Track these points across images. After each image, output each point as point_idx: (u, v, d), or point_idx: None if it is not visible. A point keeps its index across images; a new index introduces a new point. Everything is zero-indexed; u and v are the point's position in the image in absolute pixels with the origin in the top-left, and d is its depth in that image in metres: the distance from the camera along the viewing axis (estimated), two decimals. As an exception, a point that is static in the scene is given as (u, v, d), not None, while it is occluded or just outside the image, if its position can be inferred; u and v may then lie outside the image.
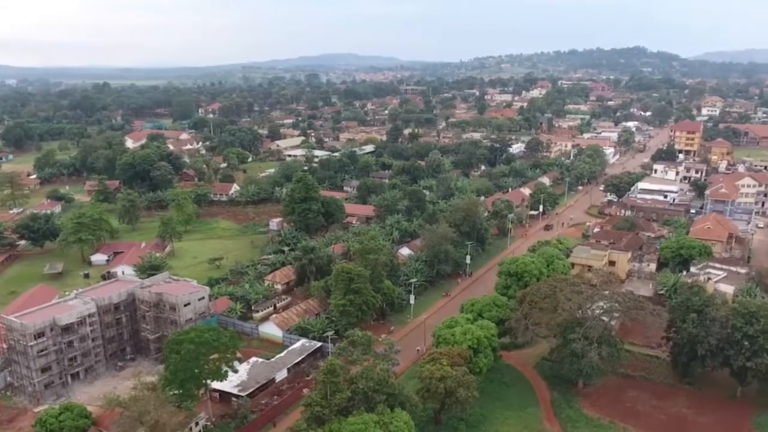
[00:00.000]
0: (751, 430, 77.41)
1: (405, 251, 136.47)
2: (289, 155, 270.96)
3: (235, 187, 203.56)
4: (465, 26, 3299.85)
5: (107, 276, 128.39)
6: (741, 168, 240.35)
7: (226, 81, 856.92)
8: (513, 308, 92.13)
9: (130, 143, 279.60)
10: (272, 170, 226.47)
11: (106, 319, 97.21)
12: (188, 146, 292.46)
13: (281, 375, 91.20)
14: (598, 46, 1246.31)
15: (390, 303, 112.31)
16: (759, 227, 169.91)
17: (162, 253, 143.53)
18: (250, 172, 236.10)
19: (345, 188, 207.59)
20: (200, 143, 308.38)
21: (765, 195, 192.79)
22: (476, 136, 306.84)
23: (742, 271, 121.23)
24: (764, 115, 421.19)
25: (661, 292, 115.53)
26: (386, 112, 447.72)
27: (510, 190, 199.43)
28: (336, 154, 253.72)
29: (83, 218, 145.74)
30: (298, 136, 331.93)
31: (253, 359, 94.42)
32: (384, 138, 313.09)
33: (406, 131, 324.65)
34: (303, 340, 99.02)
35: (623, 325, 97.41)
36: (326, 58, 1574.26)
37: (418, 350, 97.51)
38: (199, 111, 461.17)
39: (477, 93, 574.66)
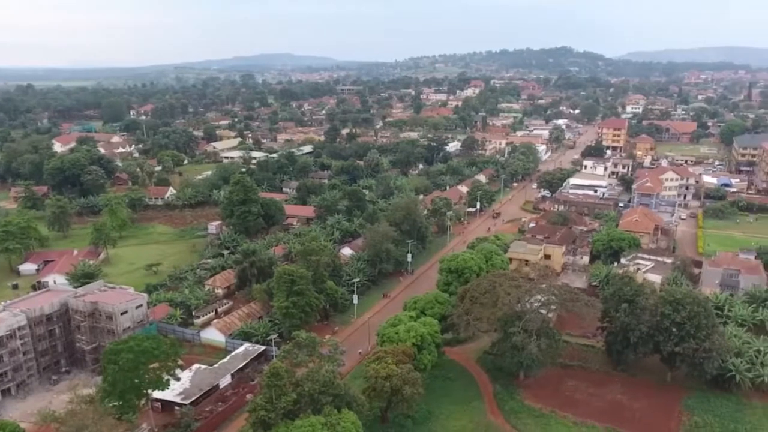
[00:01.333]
0: (681, 412, 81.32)
1: (347, 251, 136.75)
2: (226, 157, 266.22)
3: (171, 191, 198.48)
4: (399, 26, 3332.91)
5: (38, 286, 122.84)
6: (664, 162, 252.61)
7: (159, 82, 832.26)
8: (454, 304, 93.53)
9: (58, 147, 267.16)
10: (209, 173, 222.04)
11: (38, 332, 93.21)
12: (120, 149, 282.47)
13: (225, 381, 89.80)
14: (527, 46, 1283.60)
15: (333, 303, 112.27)
16: (682, 218, 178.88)
17: (96, 260, 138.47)
18: (187, 174, 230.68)
19: (284, 189, 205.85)
20: (133, 146, 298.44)
21: (686, 188, 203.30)
22: (413, 135, 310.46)
23: (668, 260, 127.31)
24: (683, 112, 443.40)
25: (595, 283, 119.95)
26: (323, 112, 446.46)
27: (448, 188, 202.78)
28: (274, 155, 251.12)
29: (9, 227, 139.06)
30: (235, 137, 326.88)
31: (196, 366, 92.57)
32: (322, 138, 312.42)
33: (344, 131, 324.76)
34: (246, 345, 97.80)
35: (560, 316, 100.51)
36: (262, 59, 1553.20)
37: (360, 353, 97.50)
38: (131, 113, 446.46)
39: (413, 92, 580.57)
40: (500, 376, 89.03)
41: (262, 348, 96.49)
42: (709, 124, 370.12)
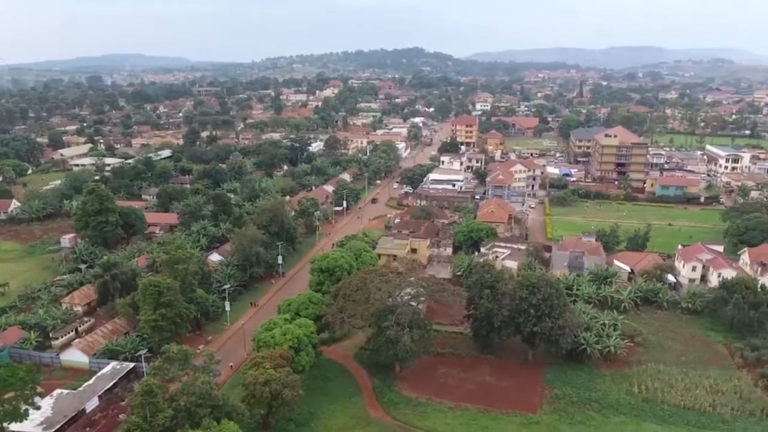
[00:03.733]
0: (543, 386, 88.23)
1: (215, 257, 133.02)
2: (77, 165, 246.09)
3: (14, 204, 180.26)
4: (254, 26, 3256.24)
5: None
6: (513, 156, 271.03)
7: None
8: (328, 303, 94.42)
9: None
10: (58, 182, 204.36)
11: None
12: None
13: (92, 404, 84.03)
14: (381, 47, 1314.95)
15: (205, 312, 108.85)
16: (531, 207, 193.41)
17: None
18: (32, 185, 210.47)
19: (144, 196, 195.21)
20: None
21: (533, 179, 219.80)
22: (276, 136, 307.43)
23: (522, 247, 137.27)
24: (526, 108, 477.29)
25: (459, 273, 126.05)
26: (180, 114, 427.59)
27: (314, 188, 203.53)
28: (130, 161, 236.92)
29: None
30: (85, 143, 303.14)
31: (57, 391, 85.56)
32: (181, 142, 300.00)
33: (204, 134, 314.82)
34: (113, 363, 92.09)
35: (429, 307, 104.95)
36: (109, 59, 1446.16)
37: (231, 366, 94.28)
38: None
39: (272, 93, 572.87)
40: (377, 370, 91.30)
41: (131, 365, 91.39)
42: (549, 119, 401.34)
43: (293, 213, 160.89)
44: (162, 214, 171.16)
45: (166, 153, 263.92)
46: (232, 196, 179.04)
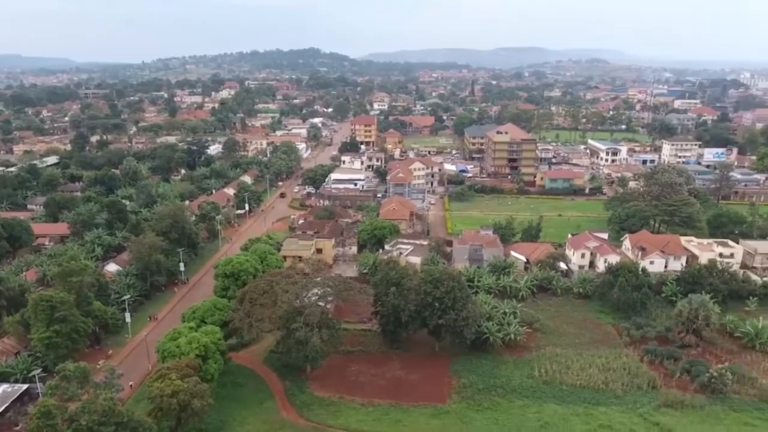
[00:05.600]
0: (450, 377, 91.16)
1: (112, 267, 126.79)
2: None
3: None
4: (143, 25, 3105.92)
5: None
6: (411, 154, 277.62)
7: None
8: (234, 309, 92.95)
9: None
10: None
11: None
12: None
13: (-20, 432, 78.33)
14: (277, 47, 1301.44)
15: (104, 326, 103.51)
16: (431, 204, 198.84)
17: None
18: None
19: (29, 206, 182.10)
20: None
21: (432, 176, 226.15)
22: (171, 139, 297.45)
23: (425, 243, 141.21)
24: (422, 107, 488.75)
25: (365, 271, 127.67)
26: (67, 118, 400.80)
27: (214, 191, 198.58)
28: (12, 169, 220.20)
29: None
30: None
31: (-61, 422, 79.13)
32: (68, 147, 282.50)
33: (94, 138, 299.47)
34: (4, 386, 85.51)
35: (337, 306, 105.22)
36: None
37: (131, 385, 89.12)
38: None
39: (166, 95, 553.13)
40: (288, 372, 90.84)
41: (24, 387, 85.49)
42: (444, 117, 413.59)
43: (194, 218, 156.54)
44: (51, 224, 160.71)
45: (53, 159, 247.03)
46: (127, 202, 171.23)
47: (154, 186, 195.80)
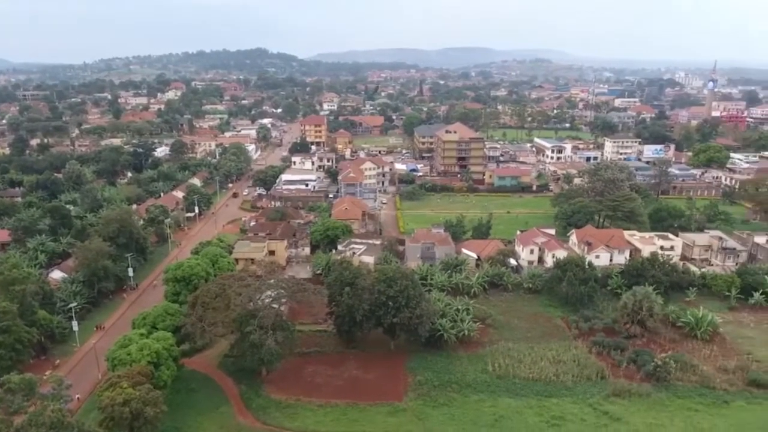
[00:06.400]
0: (406, 374, 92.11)
1: (57, 274, 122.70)
2: None
3: None
4: (84, 25, 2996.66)
5: None
6: (362, 154, 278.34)
7: None
8: (186, 313, 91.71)
9: None
10: None
11: None
12: None
13: None
14: (224, 48, 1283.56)
15: (50, 335, 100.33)
16: (383, 203, 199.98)
17: None
18: None
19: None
20: None
21: (383, 175, 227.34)
22: (116, 141, 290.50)
23: (377, 242, 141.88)
24: (371, 107, 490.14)
25: (319, 271, 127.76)
26: (4, 121, 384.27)
27: (162, 194, 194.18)
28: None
29: None
30: None
31: None
32: (7, 151, 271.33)
33: (34, 141, 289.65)
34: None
35: (291, 308, 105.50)
36: None
37: (78, 398, 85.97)
38: None
39: (109, 96, 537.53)
40: (244, 376, 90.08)
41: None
42: (394, 117, 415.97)
43: (142, 222, 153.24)
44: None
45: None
46: (71, 207, 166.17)
47: (100, 190, 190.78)
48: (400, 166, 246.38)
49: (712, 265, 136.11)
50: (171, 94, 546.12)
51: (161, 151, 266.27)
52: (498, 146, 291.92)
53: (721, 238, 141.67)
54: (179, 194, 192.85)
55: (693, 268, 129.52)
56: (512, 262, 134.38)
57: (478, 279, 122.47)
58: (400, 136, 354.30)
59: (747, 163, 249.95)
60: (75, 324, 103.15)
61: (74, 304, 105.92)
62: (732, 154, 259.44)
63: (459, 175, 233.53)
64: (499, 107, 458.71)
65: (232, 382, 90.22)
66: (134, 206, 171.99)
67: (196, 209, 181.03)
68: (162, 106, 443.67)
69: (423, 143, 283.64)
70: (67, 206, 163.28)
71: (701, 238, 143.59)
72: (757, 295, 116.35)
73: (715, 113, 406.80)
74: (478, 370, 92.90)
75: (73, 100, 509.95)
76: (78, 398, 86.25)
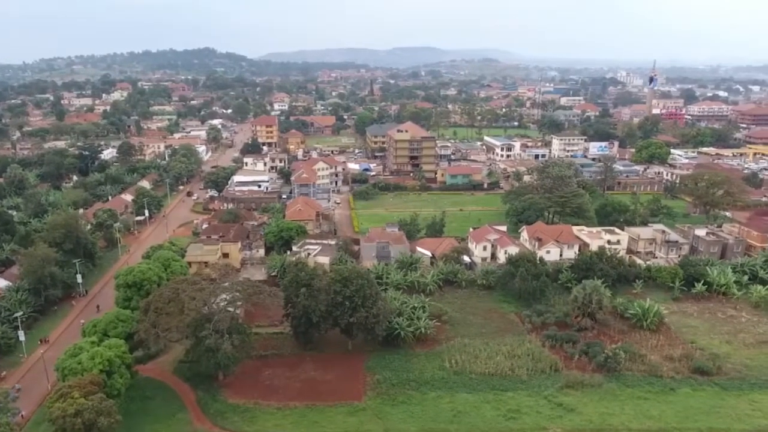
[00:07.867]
0: (365, 374, 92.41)
1: (1, 283, 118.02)
2: None
3: None
4: (22, 24, 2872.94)
5: None
6: (314, 154, 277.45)
7: None
8: (139, 319, 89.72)
9: None
10: None
11: None
12: None
13: None
14: (171, 47, 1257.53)
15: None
16: (337, 203, 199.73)
17: None
18: None
19: None
20: None
21: (336, 175, 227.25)
22: (60, 144, 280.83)
23: (332, 242, 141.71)
24: (322, 107, 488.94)
25: (273, 273, 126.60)
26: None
27: (110, 198, 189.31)
28: None
29: None
30: None
31: None
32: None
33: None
34: None
35: (247, 311, 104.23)
36: None
37: (22, 415, 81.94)
38: None
39: (52, 98, 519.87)
40: (200, 381, 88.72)
41: None
42: (345, 117, 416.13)
43: (89, 227, 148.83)
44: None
45: None
46: (14, 213, 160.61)
47: (44, 194, 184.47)
48: (353, 166, 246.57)
49: (657, 257, 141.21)
50: (117, 95, 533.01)
51: (108, 154, 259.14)
52: (449, 145, 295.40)
53: (664, 232, 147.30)
54: (128, 197, 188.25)
55: (639, 261, 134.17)
56: (466, 259, 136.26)
57: (433, 277, 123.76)
58: (352, 136, 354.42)
59: (686, 158, 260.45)
60: (21, 334, 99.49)
61: (20, 313, 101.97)
62: (672, 150, 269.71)
63: (412, 174, 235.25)
64: (449, 106, 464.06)
65: (189, 387, 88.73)
66: (81, 211, 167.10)
67: (146, 213, 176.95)
68: (108, 107, 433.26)
69: (375, 143, 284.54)
70: (9, 212, 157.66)
71: (646, 232, 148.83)
72: (699, 285, 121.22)
73: (656, 111, 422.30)
74: (436, 367, 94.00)
75: (12, 101, 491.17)
76: (22, 416, 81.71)
